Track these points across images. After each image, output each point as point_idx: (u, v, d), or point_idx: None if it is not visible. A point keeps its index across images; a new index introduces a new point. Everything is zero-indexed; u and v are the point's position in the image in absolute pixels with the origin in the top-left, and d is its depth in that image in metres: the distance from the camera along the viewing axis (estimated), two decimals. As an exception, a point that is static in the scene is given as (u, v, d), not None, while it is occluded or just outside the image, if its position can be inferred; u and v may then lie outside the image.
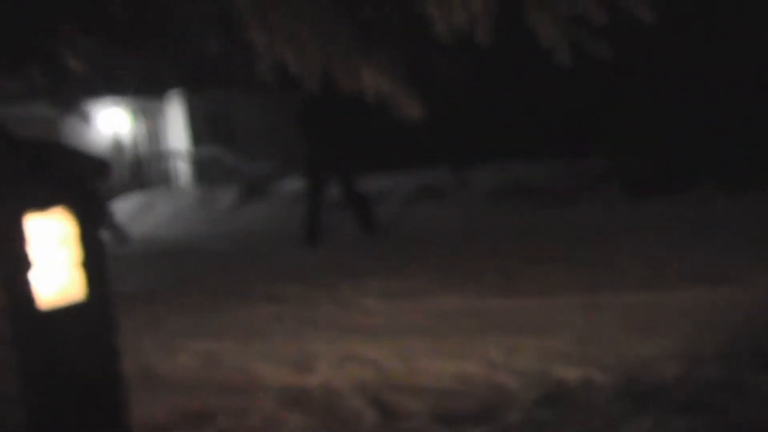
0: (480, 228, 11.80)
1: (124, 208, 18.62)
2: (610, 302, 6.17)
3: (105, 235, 3.98)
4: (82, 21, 3.52)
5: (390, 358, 5.14)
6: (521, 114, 21.85)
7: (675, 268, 7.23)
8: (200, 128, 26.10)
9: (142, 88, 23.59)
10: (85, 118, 4.73)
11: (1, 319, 3.49)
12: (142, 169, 24.45)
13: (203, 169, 24.14)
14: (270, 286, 8.17)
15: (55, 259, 3.60)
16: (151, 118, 25.85)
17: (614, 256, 8.06)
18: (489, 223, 12.16)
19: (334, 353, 5.36)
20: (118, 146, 24.94)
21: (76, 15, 3.46)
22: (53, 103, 3.39)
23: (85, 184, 3.69)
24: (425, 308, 6.57)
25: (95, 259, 3.81)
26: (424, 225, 12.77)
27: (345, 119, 11.95)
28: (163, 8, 3.73)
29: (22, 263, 3.50)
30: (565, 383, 4.38)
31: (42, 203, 3.15)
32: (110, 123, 24.64)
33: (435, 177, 16.14)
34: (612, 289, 6.58)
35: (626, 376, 4.37)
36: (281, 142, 25.83)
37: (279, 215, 16.10)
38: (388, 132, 14.09)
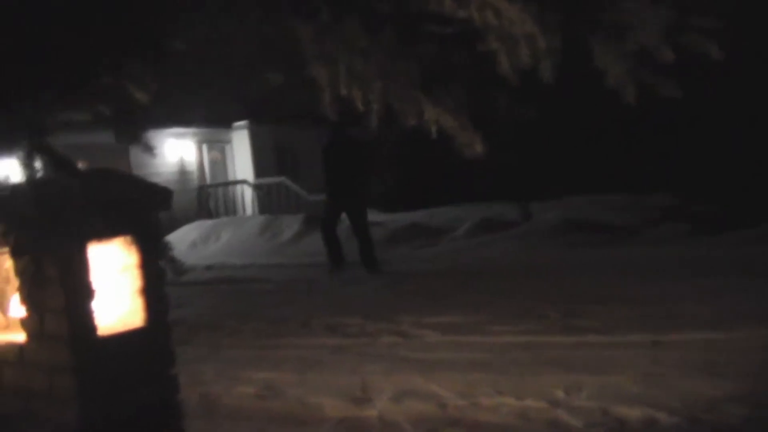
0: (542, 262, 11.72)
1: (189, 235, 18.87)
2: (673, 341, 6.07)
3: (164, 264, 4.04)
4: (148, 57, 3.61)
5: (449, 393, 5.13)
6: (588, 149, 21.72)
7: (739, 307, 7.09)
8: (265, 158, 26.38)
9: (209, 118, 23.97)
10: (149, 150, 4.83)
11: (63, 346, 3.58)
12: (208, 197, 24.76)
13: (268, 199, 24.36)
14: (330, 317, 8.20)
15: (116, 287, 3.68)
16: (217, 147, 26.23)
17: (678, 294, 7.94)
18: (551, 257, 12.06)
19: (394, 386, 5.35)
20: (184, 174, 25.30)
21: (143, 51, 3.56)
22: (118, 136, 3.48)
23: (147, 214, 3.76)
24: (485, 343, 6.54)
25: (155, 288, 3.87)
26: (486, 258, 12.71)
27: (364, 154, 12.49)
28: (229, 44, 3.81)
29: (84, 292, 3.58)
30: (627, 423, 4.33)
31: (104, 233, 3.23)
32: (177, 151, 25.02)
33: (499, 210, 16.11)
34: (675, 327, 6.48)
35: (690, 417, 4.30)
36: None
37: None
38: (454, 165, 14.06)
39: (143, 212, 3.76)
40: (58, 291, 3.58)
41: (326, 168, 12.33)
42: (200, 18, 3.49)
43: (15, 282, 3.77)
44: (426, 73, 3.64)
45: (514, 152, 16.76)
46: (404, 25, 3.57)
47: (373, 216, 20.32)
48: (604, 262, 11.29)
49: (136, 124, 3.45)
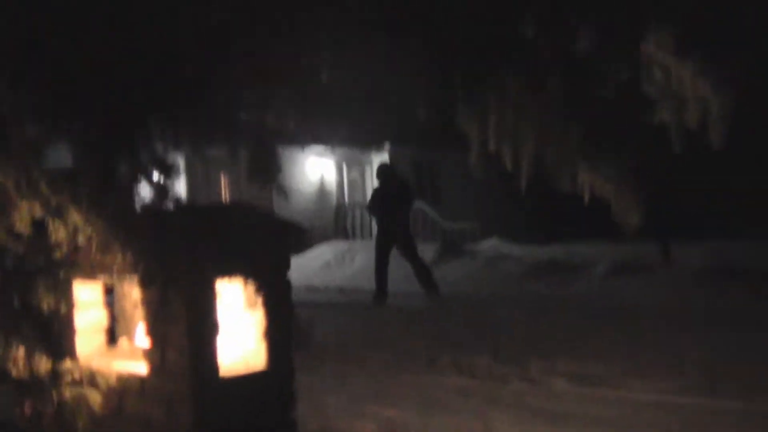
0: (684, 310, 11.18)
1: (324, 255, 19.02)
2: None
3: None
4: (294, 89, 3.59)
5: (575, 451, 4.90)
6: (735, 188, 20.82)
7: None
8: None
9: (349, 140, 24.20)
10: (283, 193, 4.87)
11: (183, 383, 3.55)
12: (345, 217, 24.98)
13: (404, 224, 24.37)
14: (459, 354, 8.04)
15: (240, 326, 3.63)
16: (356, 168, 26.47)
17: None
18: (695, 305, 11.50)
19: (518, 437, 5.18)
20: (323, 194, 25.63)
21: (289, 83, 3.54)
22: (252, 177, 3.46)
23: (276, 252, 3.72)
24: (618, 397, 6.24)
25: (280, 329, 3.80)
26: (622, 302, 12.26)
27: (410, 195, 13.85)
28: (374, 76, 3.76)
29: (208, 329, 3.54)
30: None
31: (232, 269, 3.19)
32: (317, 170, 25.38)
33: (638, 249, 15.55)
34: None
35: None
36: (484, 202, 25.78)
37: (475, 276, 15.98)
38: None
39: (273, 250, 3.71)
40: (182, 326, 3.56)
41: (378, 207, 13.66)
42: (343, 51, 3.44)
43: (141, 311, 3.79)
44: (585, 136, 3.46)
45: (659, 187, 16.20)
46: (569, 83, 3.41)
47: (508, 248, 20.06)
48: (755, 314, 10.67)
49: (272, 165, 3.41)
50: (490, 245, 21.34)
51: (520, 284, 14.84)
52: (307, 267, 18.14)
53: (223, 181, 21.23)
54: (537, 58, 3.28)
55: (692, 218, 20.05)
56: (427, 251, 18.00)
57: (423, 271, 13.52)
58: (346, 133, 22.59)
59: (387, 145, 26.38)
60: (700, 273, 13.66)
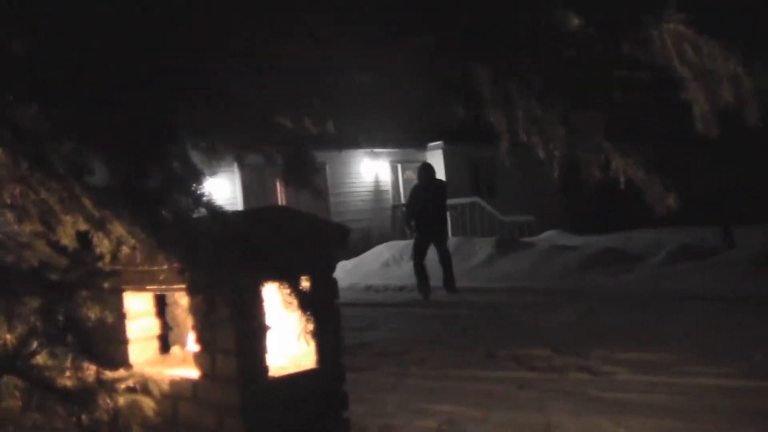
0: (747, 296, 10.94)
1: (382, 255, 19.05)
2: None
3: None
4: (330, 93, 3.56)
5: (639, 439, 4.81)
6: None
7: None
8: (459, 178, 26.35)
9: (403, 138, 24.18)
10: (319, 195, 4.84)
11: (233, 387, 3.55)
12: (402, 217, 24.97)
13: (461, 220, 24.29)
14: (517, 348, 7.96)
15: (288, 328, 3.62)
16: (411, 167, 26.44)
17: None
18: (758, 291, 11.24)
19: (580, 428, 5.08)
20: (378, 194, 25.66)
21: (324, 87, 3.50)
22: (287, 181, 3.43)
23: (321, 253, 3.70)
24: (681, 384, 6.11)
25: (328, 329, 3.79)
26: (685, 289, 12.03)
27: (444, 194, 14.47)
28: (410, 78, 3.71)
29: (256, 332, 3.54)
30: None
31: (278, 272, 3.17)
32: (372, 171, 25.42)
33: (699, 235, 15.29)
34: None
35: None
36: (541, 195, 25.58)
37: (533, 270, 15.86)
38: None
39: (318, 252, 3.70)
40: (230, 331, 3.57)
41: (416, 206, 14.24)
42: (375, 53, 3.39)
43: (191, 318, 3.81)
44: (613, 122, 3.37)
45: (715, 173, 15.91)
46: (589, 70, 3.32)
47: (566, 239, 19.89)
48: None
49: (306, 168, 3.38)
50: (547, 237, 21.20)
51: (579, 275, 14.68)
52: (367, 267, 18.21)
53: (279, 188, 21.38)
54: (557, 44, 3.21)
55: (756, 203, 19.62)
56: (484, 245, 17.94)
57: (447, 261, 14.13)
58: (397, 134, 22.60)
59: (440, 144, 26.34)
60: (763, 258, 13.35)
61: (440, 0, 3.34)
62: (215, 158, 3.28)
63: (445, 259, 14.07)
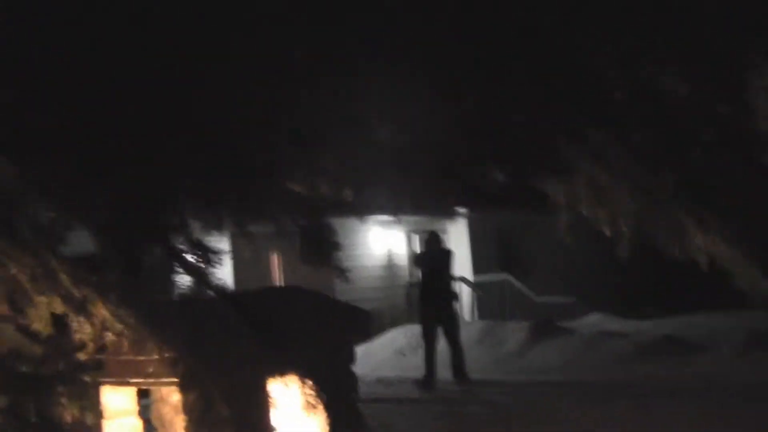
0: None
1: (395, 341, 18.87)
2: None
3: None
4: (342, 150, 3.57)
5: None
6: None
7: None
8: (485, 251, 26.27)
9: (420, 206, 24.14)
10: (342, 274, 4.85)
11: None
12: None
13: (488, 300, 24.15)
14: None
15: (298, 430, 3.57)
16: (431, 238, 26.38)
17: None
18: None
19: None
20: (391, 269, 25.58)
21: (334, 143, 3.52)
22: (304, 256, 3.43)
23: (338, 344, 3.66)
24: None
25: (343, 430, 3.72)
26: (760, 382, 11.86)
27: (451, 263, 14.65)
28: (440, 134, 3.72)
29: (261, 431, 3.48)
30: None
31: (284, 366, 3.13)
32: (384, 242, 25.35)
33: (772, 320, 15.12)
34: None
35: None
36: (582, 272, 25.46)
37: (575, 358, 15.70)
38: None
39: (334, 341, 3.65)
40: (230, 433, 3.51)
41: (420, 278, 14.68)
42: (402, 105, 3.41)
43: (182, 418, 3.75)
44: (693, 191, 3.34)
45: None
46: (665, 128, 3.31)
47: (614, 324, 19.71)
48: None
49: (327, 243, 3.37)
50: (591, 321, 21.02)
51: (631, 366, 14.49)
52: (377, 355, 18.01)
53: (275, 262, 21.32)
54: (626, 106, 3.20)
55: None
56: (517, 331, 17.79)
57: (459, 355, 14.13)
58: (415, 200, 22.58)
59: (463, 211, 26.28)
60: None
61: (499, 46, 3.36)
62: (220, 230, 3.26)
63: (456, 350, 14.11)
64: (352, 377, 3.94)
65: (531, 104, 3.24)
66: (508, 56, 3.33)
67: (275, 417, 3.60)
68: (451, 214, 26.00)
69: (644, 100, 3.21)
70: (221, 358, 2.92)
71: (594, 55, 3.20)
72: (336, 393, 3.71)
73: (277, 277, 21.51)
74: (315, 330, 3.67)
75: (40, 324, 3.20)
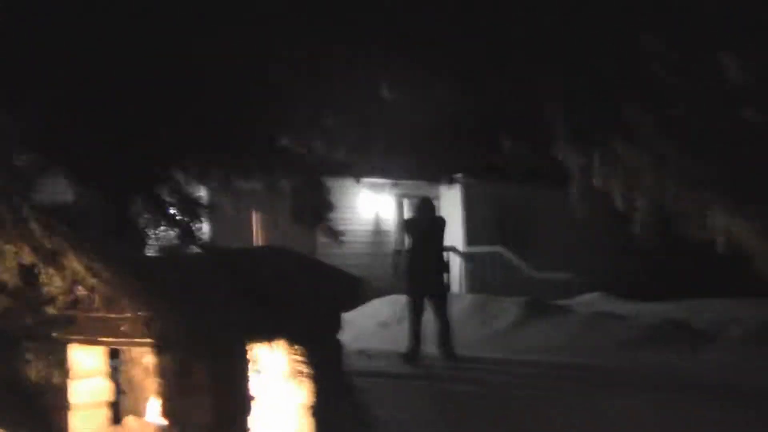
0: None
1: (380, 312, 18.87)
2: None
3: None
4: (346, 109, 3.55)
5: None
6: None
7: None
8: (480, 221, 26.28)
9: (413, 168, 24.10)
10: (335, 236, 4.83)
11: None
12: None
13: (480, 273, 24.18)
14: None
15: (279, 401, 3.56)
16: (422, 204, 26.34)
17: None
18: None
19: None
20: (379, 235, 25.57)
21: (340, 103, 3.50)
22: (297, 216, 3.42)
23: (326, 311, 3.64)
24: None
25: (331, 403, 3.72)
26: (769, 374, 11.87)
27: (442, 234, 14.61)
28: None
29: (239, 405, 3.47)
30: None
31: (268, 330, 3.11)
32: (372, 206, 25.33)
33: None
34: None
35: None
36: (583, 248, 25.49)
37: (571, 340, 15.69)
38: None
39: (322, 306, 3.64)
40: (207, 401, 3.50)
41: (408, 246, 14.81)
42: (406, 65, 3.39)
43: (155, 382, 3.74)
44: (718, 168, 3.33)
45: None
46: (706, 106, 3.30)
47: (614, 305, 19.75)
48: None
49: (320, 203, 3.36)
50: (588, 300, 21.06)
51: (631, 352, 14.48)
52: (360, 327, 17.96)
53: (255, 222, 21.29)
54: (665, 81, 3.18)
55: None
56: (509, 307, 17.80)
57: (446, 330, 14.09)
58: (409, 163, 22.50)
59: (459, 177, 26.25)
60: None
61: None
62: (205, 183, 3.24)
63: (443, 324, 14.09)
64: (340, 346, 3.95)
65: (561, 72, 3.23)
66: (549, 18, 3.32)
67: (257, 384, 3.60)
68: (447, 180, 26.09)
69: (690, 78, 3.20)
70: (203, 319, 2.91)
71: (644, 33, 3.18)
72: (324, 362, 3.71)
73: (256, 238, 21.48)
74: (305, 294, 3.66)
75: (6, 275, 3.19)
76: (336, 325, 3.94)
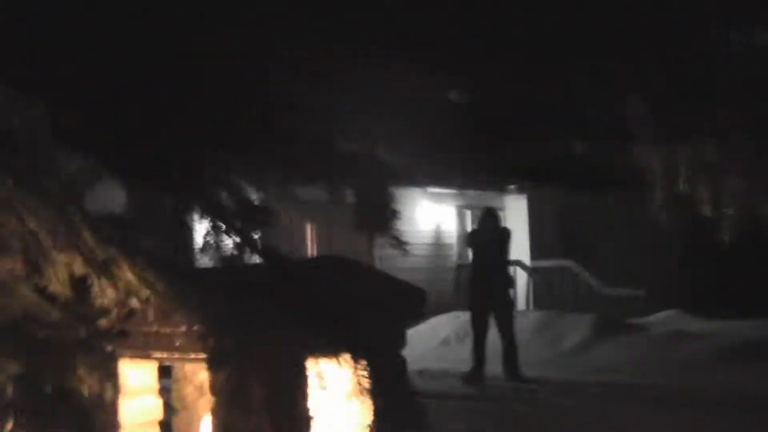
0: None
1: (441, 329, 18.87)
2: None
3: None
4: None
5: None
6: None
7: None
8: (547, 234, 26.17)
9: (474, 180, 24.02)
10: (400, 246, 4.80)
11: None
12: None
13: (547, 288, 24.07)
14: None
15: (340, 419, 3.57)
16: (486, 215, 26.24)
17: None
18: None
19: None
20: (439, 248, 25.52)
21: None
22: (360, 224, 3.45)
23: (388, 325, 3.65)
24: None
25: (394, 421, 3.72)
26: None
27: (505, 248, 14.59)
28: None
29: (299, 421, 3.49)
30: None
31: (329, 345, 3.12)
32: (432, 217, 25.27)
33: None
34: None
35: None
36: (658, 262, 25.26)
37: (645, 360, 15.60)
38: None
39: (386, 321, 3.65)
40: (264, 420, 3.51)
41: (471, 259, 14.88)
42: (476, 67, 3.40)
43: (209, 401, 3.76)
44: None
45: None
46: None
47: (692, 324, 19.56)
48: None
49: (384, 211, 3.36)
50: (663, 319, 20.89)
51: (710, 373, 14.36)
52: (420, 345, 17.97)
53: (310, 233, 21.36)
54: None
55: None
56: (578, 325, 17.73)
57: (511, 348, 14.07)
58: (473, 170, 22.44)
59: (525, 186, 26.11)
60: None
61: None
62: (263, 190, 3.27)
63: (508, 342, 14.07)
64: (404, 362, 3.96)
65: (647, 64, 3.22)
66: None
67: (318, 401, 3.61)
68: (512, 189, 25.98)
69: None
70: (261, 333, 2.93)
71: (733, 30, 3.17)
72: (388, 378, 3.72)
73: (311, 249, 21.53)
74: (368, 306, 3.67)
75: (58, 286, 3.22)
76: (400, 339, 3.94)
